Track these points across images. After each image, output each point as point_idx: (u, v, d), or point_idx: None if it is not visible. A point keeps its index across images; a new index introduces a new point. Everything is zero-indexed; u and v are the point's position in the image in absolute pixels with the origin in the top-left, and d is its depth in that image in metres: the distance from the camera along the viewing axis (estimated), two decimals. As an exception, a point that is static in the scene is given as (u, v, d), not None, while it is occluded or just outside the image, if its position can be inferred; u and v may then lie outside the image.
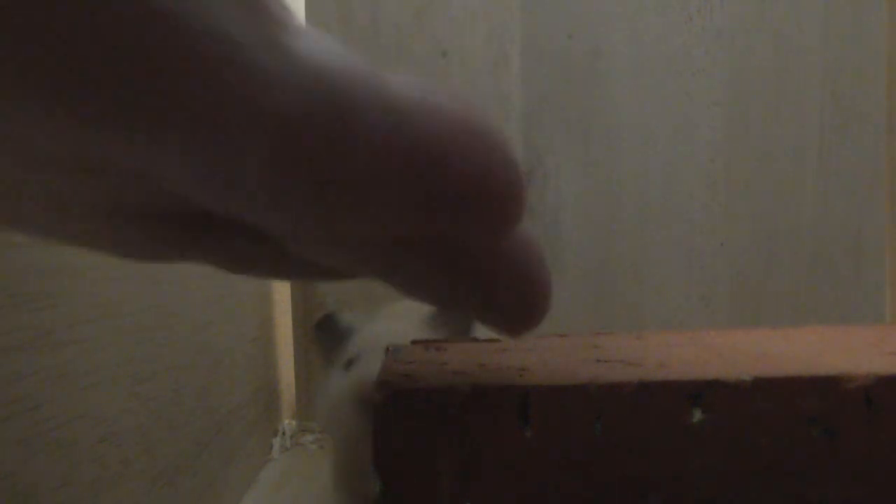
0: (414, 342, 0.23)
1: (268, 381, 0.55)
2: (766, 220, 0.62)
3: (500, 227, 0.13)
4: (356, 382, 0.33)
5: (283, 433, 0.56)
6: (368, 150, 0.11)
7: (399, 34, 0.60)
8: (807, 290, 0.63)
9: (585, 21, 0.61)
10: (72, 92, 0.10)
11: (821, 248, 0.63)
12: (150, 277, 0.31)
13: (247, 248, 0.15)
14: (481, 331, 0.35)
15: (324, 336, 0.38)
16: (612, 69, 0.61)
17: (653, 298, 0.62)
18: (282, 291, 0.61)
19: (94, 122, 0.11)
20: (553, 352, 0.21)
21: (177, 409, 0.33)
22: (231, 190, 0.11)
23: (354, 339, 0.37)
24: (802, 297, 0.63)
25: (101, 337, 0.26)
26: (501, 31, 0.61)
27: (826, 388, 0.17)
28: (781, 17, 0.62)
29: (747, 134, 0.62)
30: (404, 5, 0.60)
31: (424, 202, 0.12)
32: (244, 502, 0.44)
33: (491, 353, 0.21)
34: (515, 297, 0.14)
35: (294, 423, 0.59)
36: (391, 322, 0.38)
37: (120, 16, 0.10)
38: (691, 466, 0.16)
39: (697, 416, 0.16)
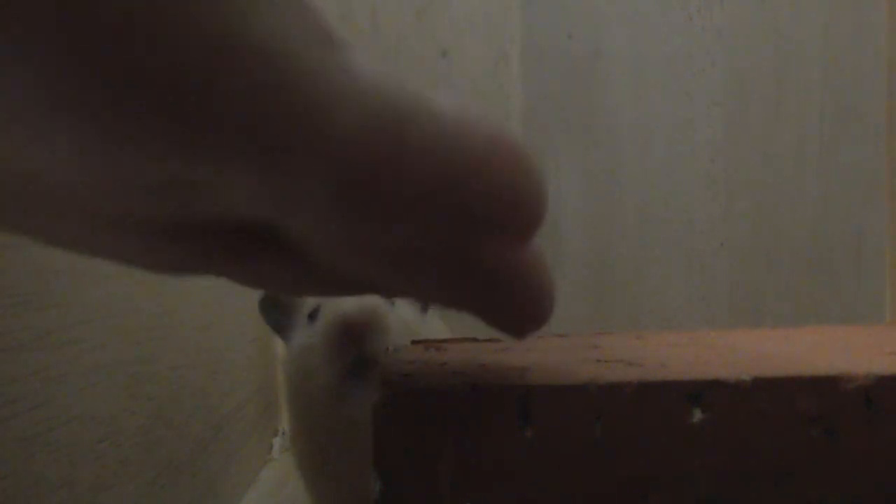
0: (414, 342, 0.23)
1: (268, 381, 0.55)
2: (766, 220, 0.62)
3: (523, 236, 0.14)
4: (325, 324, 0.33)
5: (283, 433, 0.56)
6: (421, 162, 0.12)
7: (399, 34, 0.60)
8: (807, 290, 0.63)
9: (585, 21, 0.61)
10: (152, 123, 0.10)
11: (821, 248, 0.63)
12: (150, 278, 0.31)
13: (272, 262, 0.15)
14: (482, 331, 0.35)
15: (270, 312, 0.37)
16: (612, 69, 0.61)
17: (653, 298, 0.62)
18: (282, 291, 0.61)
19: (169, 152, 0.11)
20: (553, 352, 0.21)
21: (177, 409, 0.33)
22: (290, 205, 0.12)
23: (308, 301, 0.36)
24: (802, 297, 0.63)
25: (101, 337, 0.26)
26: (501, 31, 0.61)
27: (826, 388, 0.17)
28: (781, 16, 0.62)
29: (747, 134, 0.62)
30: (404, 5, 0.60)
31: (460, 212, 0.13)
32: (244, 502, 0.44)
33: (491, 353, 0.21)
34: (523, 302, 0.15)
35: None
36: None
37: (198, 48, 0.10)
38: (691, 466, 0.16)
39: (697, 416, 0.16)
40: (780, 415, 0.17)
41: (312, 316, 0.34)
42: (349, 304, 0.32)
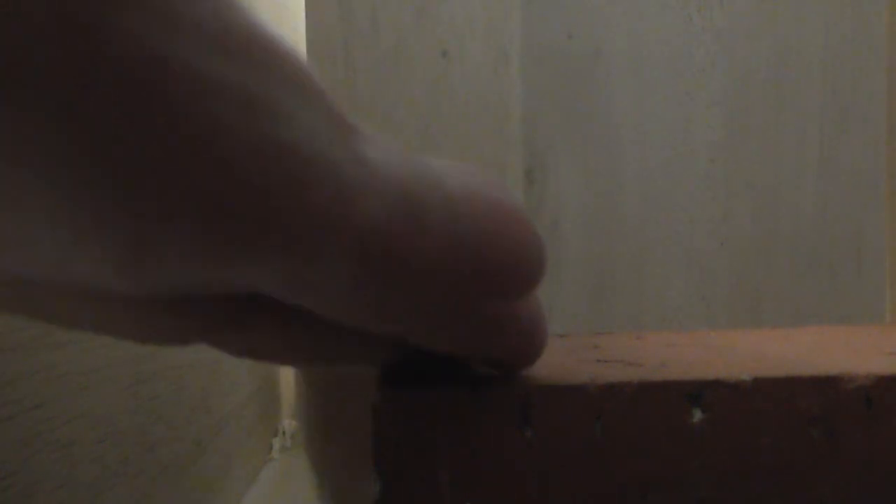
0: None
1: (268, 381, 0.55)
2: (766, 220, 0.62)
3: (525, 291, 0.15)
4: None
5: (283, 433, 0.56)
6: (436, 242, 0.13)
7: (399, 34, 0.60)
8: (807, 290, 0.63)
9: (585, 21, 0.61)
10: (183, 229, 0.10)
11: (821, 248, 0.63)
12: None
13: (271, 329, 0.14)
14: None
15: None
16: (612, 69, 0.61)
17: (653, 298, 0.62)
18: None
19: (195, 254, 0.11)
20: (553, 352, 0.21)
21: (177, 409, 0.33)
22: (307, 287, 0.12)
23: None
24: (802, 297, 0.63)
25: (101, 337, 0.26)
26: (501, 31, 0.61)
27: (826, 389, 0.17)
28: (781, 16, 0.62)
29: (747, 134, 0.62)
30: (404, 5, 0.60)
31: (471, 279, 0.13)
32: (244, 502, 0.44)
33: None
34: (519, 346, 0.16)
35: (294, 423, 0.59)
36: None
37: (230, 149, 0.10)
38: (691, 466, 0.16)
39: (697, 416, 0.16)
40: (780, 415, 0.17)
41: None
42: None
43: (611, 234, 0.62)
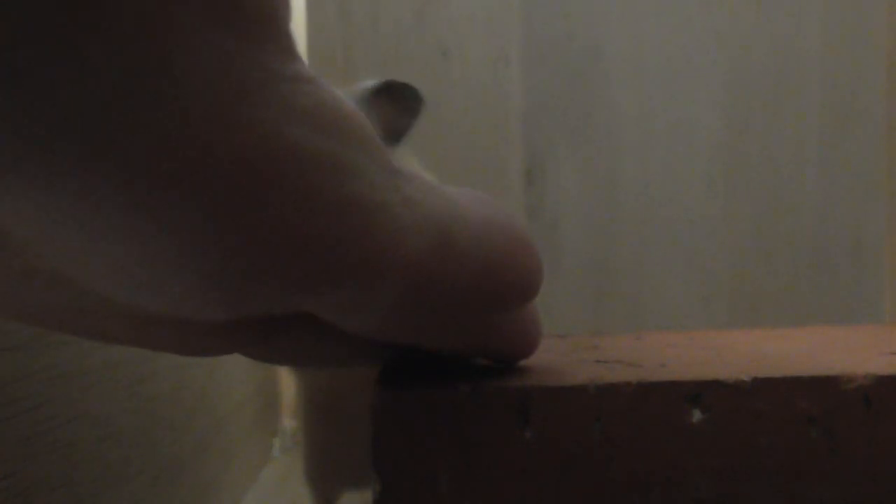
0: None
1: (268, 381, 0.55)
2: (766, 220, 0.62)
3: (526, 303, 0.16)
4: None
5: (283, 433, 0.56)
6: (464, 266, 0.14)
7: (399, 34, 0.60)
8: (807, 290, 0.63)
9: (585, 21, 0.61)
10: (268, 277, 0.12)
11: (821, 248, 0.63)
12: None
13: (299, 337, 0.16)
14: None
15: None
16: (612, 69, 0.61)
17: (653, 298, 0.62)
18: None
19: (272, 295, 0.12)
20: (553, 352, 0.21)
21: (177, 409, 0.33)
22: (349, 312, 0.13)
23: None
24: (802, 297, 0.63)
25: (101, 337, 0.26)
26: (501, 31, 0.61)
27: (825, 389, 0.17)
28: (781, 17, 0.62)
29: (747, 134, 0.62)
30: (404, 5, 0.60)
31: (489, 296, 0.15)
32: (244, 502, 0.44)
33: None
34: (518, 345, 0.18)
35: (294, 423, 0.59)
36: None
37: (321, 207, 0.12)
38: (691, 466, 0.16)
39: (697, 416, 0.16)
40: (779, 415, 0.17)
41: None
42: None
43: (611, 234, 0.62)
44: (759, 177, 0.62)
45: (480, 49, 0.61)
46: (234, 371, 0.45)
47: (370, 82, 0.34)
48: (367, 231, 0.12)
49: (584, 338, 0.24)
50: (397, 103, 0.34)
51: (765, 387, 0.17)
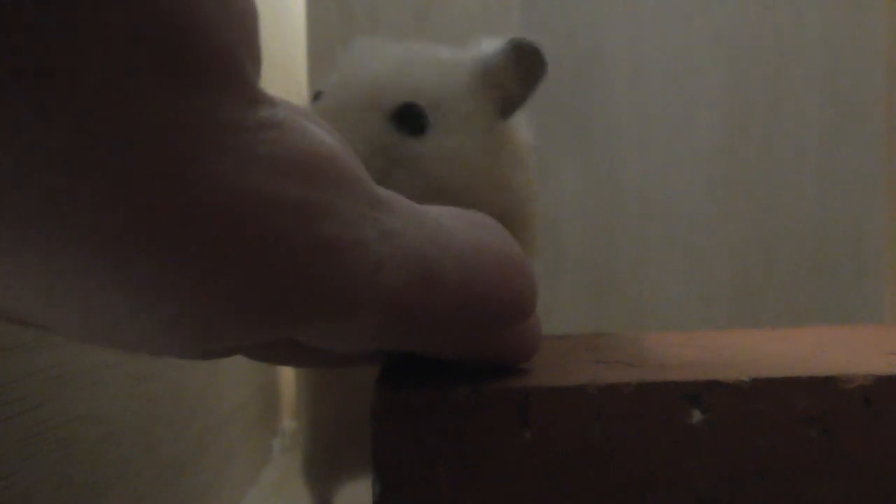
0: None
1: (268, 381, 0.55)
2: (766, 220, 0.62)
3: (521, 322, 0.16)
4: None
5: (283, 433, 0.56)
6: (450, 298, 0.14)
7: (399, 34, 0.60)
8: (807, 290, 0.63)
9: (585, 21, 0.61)
10: (249, 315, 0.12)
11: (821, 248, 0.63)
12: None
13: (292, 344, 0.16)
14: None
15: None
16: (612, 69, 0.61)
17: (653, 298, 0.62)
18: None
19: (255, 331, 0.12)
20: (553, 352, 0.21)
21: (177, 408, 0.33)
22: (333, 339, 0.14)
23: None
24: (802, 297, 0.63)
25: (101, 337, 0.26)
26: (501, 31, 0.61)
27: (825, 389, 0.17)
28: (781, 17, 0.62)
29: (747, 134, 0.62)
30: (404, 5, 0.60)
31: (478, 320, 0.15)
32: (244, 502, 0.44)
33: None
34: (514, 353, 0.18)
35: (294, 423, 0.59)
36: None
37: (290, 249, 0.12)
38: (691, 466, 0.16)
39: (696, 416, 0.16)
40: (778, 415, 0.17)
41: (316, 97, 0.32)
42: None
43: (611, 234, 0.62)
44: (760, 177, 0.62)
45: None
46: (235, 371, 0.45)
47: (491, 44, 0.31)
48: (339, 270, 0.12)
49: (583, 338, 0.24)
50: (520, 67, 0.30)
51: (764, 387, 0.17)
